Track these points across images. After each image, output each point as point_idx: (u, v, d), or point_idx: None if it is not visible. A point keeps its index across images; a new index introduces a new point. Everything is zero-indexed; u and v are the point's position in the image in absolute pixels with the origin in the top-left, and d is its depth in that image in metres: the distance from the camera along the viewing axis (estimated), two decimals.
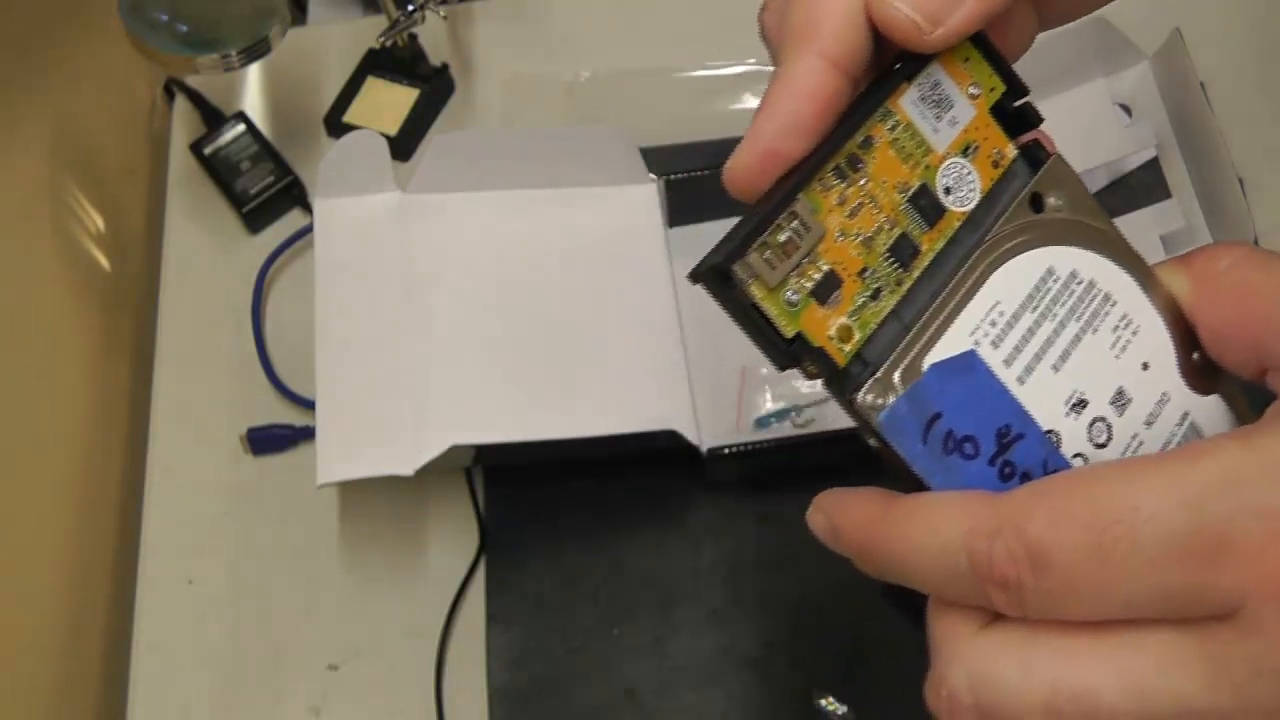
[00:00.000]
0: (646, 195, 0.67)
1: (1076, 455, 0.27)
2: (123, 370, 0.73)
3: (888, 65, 0.28)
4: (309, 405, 0.65)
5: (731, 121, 0.75)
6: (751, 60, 0.76)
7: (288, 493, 0.65)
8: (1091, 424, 0.28)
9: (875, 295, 0.27)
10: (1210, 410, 0.29)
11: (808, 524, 0.29)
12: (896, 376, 0.26)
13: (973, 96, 0.29)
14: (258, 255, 0.71)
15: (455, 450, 0.57)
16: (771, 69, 0.28)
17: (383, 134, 0.67)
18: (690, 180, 0.67)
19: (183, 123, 0.77)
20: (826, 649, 0.59)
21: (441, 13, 0.75)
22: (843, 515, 0.28)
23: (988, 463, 0.26)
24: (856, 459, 0.67)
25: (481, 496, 0.64)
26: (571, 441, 0.59)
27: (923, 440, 0.26)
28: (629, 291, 0.64)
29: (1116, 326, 0.28)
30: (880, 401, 0.26)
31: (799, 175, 0.26)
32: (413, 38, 0.76)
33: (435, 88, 0.76)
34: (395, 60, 0.76)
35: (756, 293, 0.26)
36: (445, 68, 0.77)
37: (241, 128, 0.74)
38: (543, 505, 0.63)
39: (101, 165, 0.76)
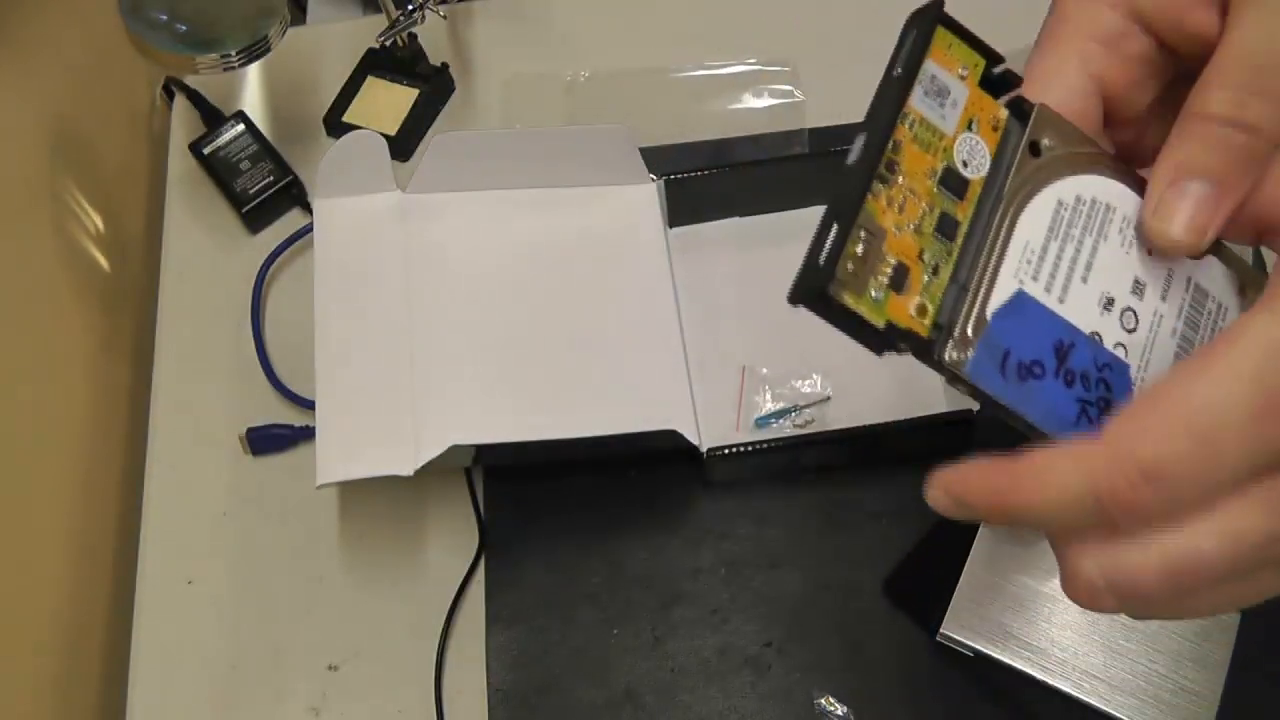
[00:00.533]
0: (646, 195, 0.67)
1: (1118, 345, 0.32)
2: (122, 370, 0.73)
3: (885, 73, 0.32)
4: (309, 405, 0.65)
5: (731, 121, 0.76)
6: (752, 60, 0.76)
7: (288, 493, 0.65)
8: (1121, 315, 0.33)
9: (935, 270, 0.31)
10: (1207, 268, 0.34)
11: (928, 502, 0.33)
12: (969, 331, 0.31)
13: (962, 77, 0.32)
14: (258, 255, 0.71)
15: (455, 450, 0.57)
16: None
17: (382, 134, 0.67)
18: (690, 180, 0.67)
19: (182, 122, 0.77)
20: (826, 649, 0.59)
21: (441, 13, 0.75)
22: (966, 489, 0.32)
23: (1054, 376, 0.31)
24: (856, 459, 0.67)
25: (481, 496, 0.64)
26: (571, 441, 0.59)
27: (1002, 376, 0.31)
28: (629, 291, 0.64)
29: (1121, 228, 0.33)
30: (963, 356, 0.30)
31: (854, 193, 0.30)
32: (413, 37, 0.76)
33: (435, 88, 0.76)
34: (395, 60, 0.76)
35: (850, 301, 0.29)
36: (445, 68, 0.77)
37: (241, 127, 0.74)
38: (543, 505, 0.63)
39: (101, 165, 0.76)
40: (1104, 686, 0.55)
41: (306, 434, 0.66)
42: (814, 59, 0.76)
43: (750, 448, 0.60)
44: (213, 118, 0.76)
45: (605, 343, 0.62)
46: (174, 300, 0.71)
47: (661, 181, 0.67)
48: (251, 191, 0.72)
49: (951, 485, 0.32)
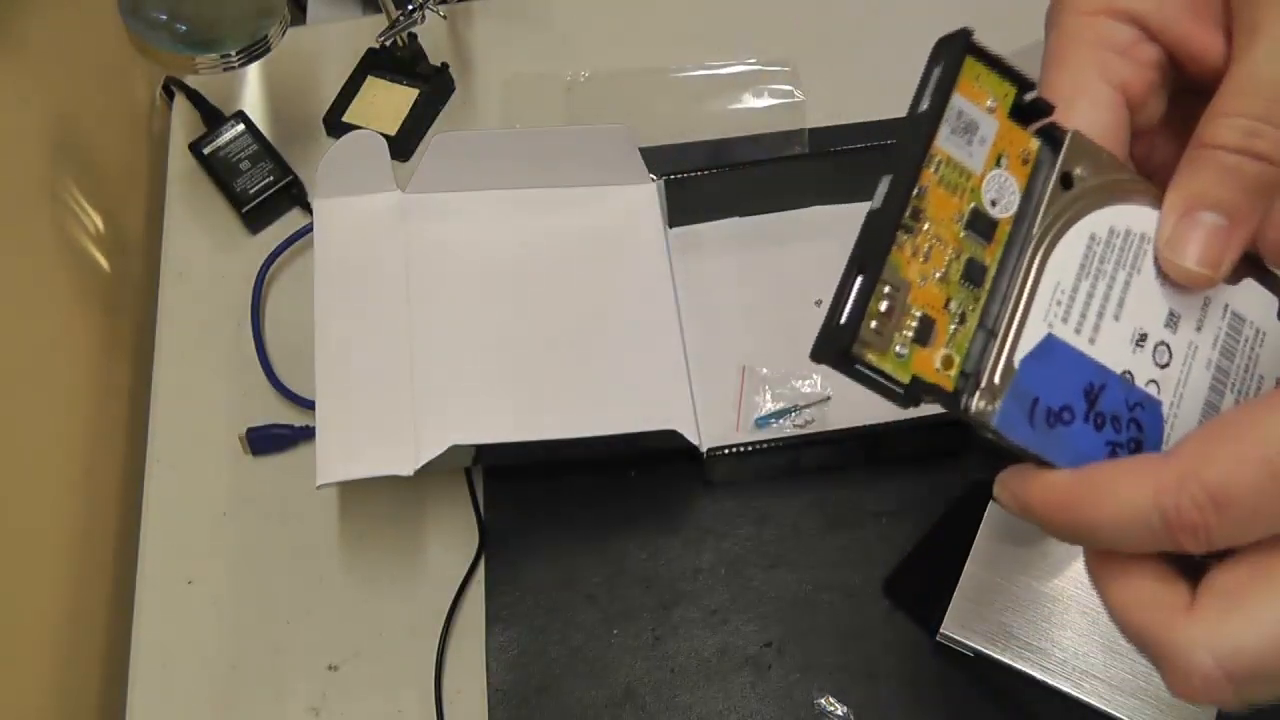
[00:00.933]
0: (646, 195, 0.67)
1: (1150, 382, 0.31)
2: (123, 370, 0.73)
3: (910, 108, 0.30)
4: (309, 405, 0.65)
5: (731, 121, 0.76)
6: (752, 60, 0.76)
7: (288, 493, 0.65)
8: (1154, 350, 0.32)
9: (962, 319, 0.30)
10: (1244, 293, 0.33)
11: (996, 500, 0.31)
12: (997, 380, 0.30)
13: (991, 110, 0.31)
14: (258, 255, 0.71)
15: (455, 450, 0.57)
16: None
17: (382, 134, 0.67)
18: (690, 180, 0.67)
19: (182, 122, 0.77)
20: (826, 649, 0.59)
21: (441, 12, 0.75)
22: (1029, 495, 0.31)
23: (1084, 420, 0.30)
24: (856, 459, 0.67)
25: (481, 496, 0.64)
26: (572, 441, 0.59)
27: (1030, 425, 0.30)
28: (629, 291, 0.64)
29: (1155, 258, 0.32)
30: (991, 407, 0.30)
31: (879, 247, 0.29)
32: (413, 37, 0.76)
33: (435, 87, 0.76)
34: (395, 60, 0.76)
35: (874, 359, 0.29)
36: (445, 68, 0.77)
37: (241, 127, 0.74)
38: (543, 505, 0.63)
39: (101, 165, 0.76)
40: (1104, 686, 0.55)
41: (306, 434, 0.66)
42: (814, 59, 0.76)
43: (750, 448, 0.60)
44: (213, 118, 0.76)
45: (605, 343, 0.62)
46: (174, 300, 0.71)
47: (661, 181, 0.67)
48: (251, 191, 0.72)
49: (1017, 491, 0.31)
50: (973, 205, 0.30)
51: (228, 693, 0.61)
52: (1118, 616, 0.30)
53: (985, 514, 0.58)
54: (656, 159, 0.68)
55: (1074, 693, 0.55)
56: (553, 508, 0.63)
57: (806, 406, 0.63)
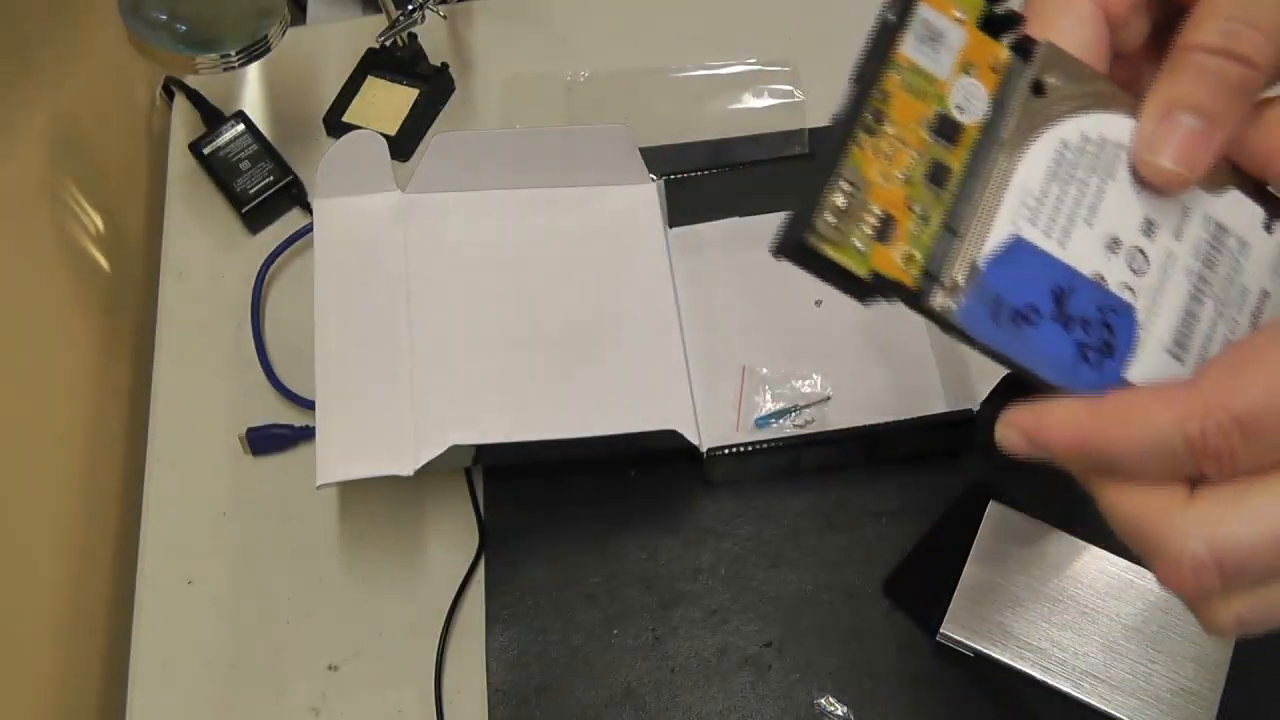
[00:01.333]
0: (646, 195, 0.67)
1: (1124, 287, 0.32)
2: (122, 370, 0.73)
3: (878, 20, 0.31)
4: (309, 405, 0.65)
5: (731, 121, 0.76)
6: (751, 60, 0.76)
7: (288, 493, 0.65)
8: (1129, 256, 0.32)
9: (925, 219, 0.30)
10: (1228, 204, 0.33)
11: (998, 441, 0.31)
12: (960, 279, 0.30)
13: (959, 20, 0.31)
14: (258, 255, 0.71)
15: (455, 450, 0.57)
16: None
17: (382, 134, 0.67)
18: (690, 180, 0.67)
19: (182, 122, 0.77)
20: (826, 649, 0.59)
21: (441, 12, 0.75)
22: (1044, 427, 0.30)
23: (1051, 321, 0.31)
24: (856, 459, 0.67)
25: (481, 496, 0.64)
26: (572, 441, 0.59)
27: (995, 322, 0.30)
28: (629, 291, 0.64)
29: (1132, 162, 0.32)
30: (952, 304, 0.30)
31: (836, 143, 0.30)
32: (412, 37, 0.76)
33: (435, 87, 0.76)
34: (395, 60, 0.76)
35: (830, 252, 0.29)
36: (445, 67, 0.77)
37: (241, 127, 0.74)
38: (543, 505, 0.63)
39: (101, 165, 0.76)
40: (1104, 686, 0.55)
41: (306, 434, 0.66)
42: (814, 59, 0.76)
43: (750, 448, 0.60)
44: (213, 118, 0.76)
45: (605, 342, 0.62)
46: (174, 300, 0.71)
47: (661, 181, 0.67)
48: (251, 191, 0.72)
49: (1028, 424, 0.31)
50: (938, 110, 0.31)
51: (228, 693, 0.61)
52: (1110, 510, 0.30)
53: (985, 514, 0.58)
54: (656, 159, 0.68)
55: (1074, 693, 0.55)
56: (553, 508, 0.63)
57: (806, 406, 0.63)
